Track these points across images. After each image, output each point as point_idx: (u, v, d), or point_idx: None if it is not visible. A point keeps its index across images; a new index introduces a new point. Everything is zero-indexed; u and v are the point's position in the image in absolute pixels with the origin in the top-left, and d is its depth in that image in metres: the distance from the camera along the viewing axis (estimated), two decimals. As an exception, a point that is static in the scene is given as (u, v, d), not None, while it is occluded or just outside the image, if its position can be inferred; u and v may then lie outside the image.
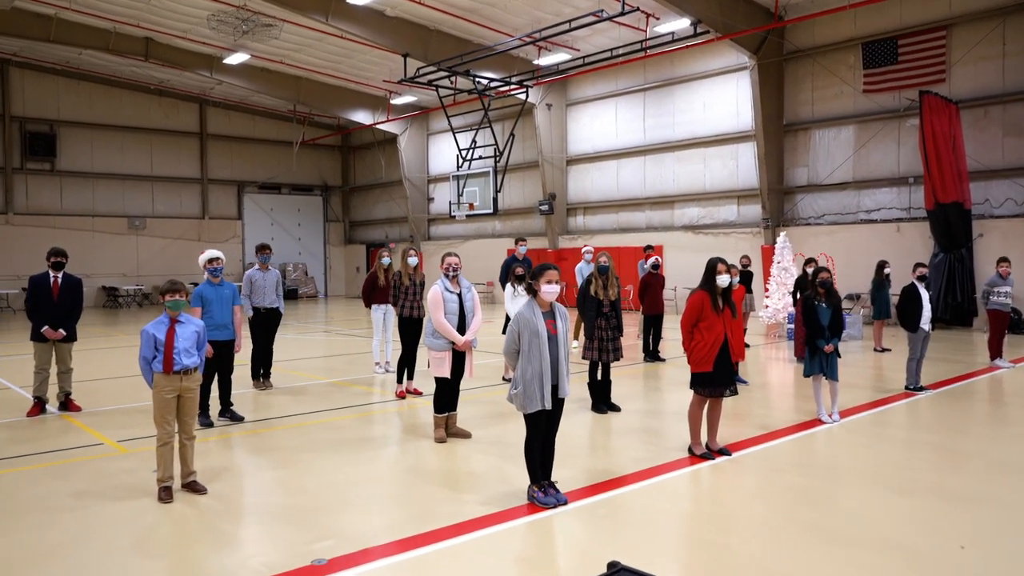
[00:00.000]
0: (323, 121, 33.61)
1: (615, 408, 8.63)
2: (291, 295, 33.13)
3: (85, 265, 27.90)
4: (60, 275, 8.73)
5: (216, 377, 8.19)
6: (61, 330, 8.60)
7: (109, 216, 29.57)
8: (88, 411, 8.84)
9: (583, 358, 8.69)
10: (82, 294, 9.02)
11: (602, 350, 8.47)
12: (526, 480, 5.49)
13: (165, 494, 5.53)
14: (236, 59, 23.88)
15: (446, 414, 7.37)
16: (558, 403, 5.41)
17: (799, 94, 20.34)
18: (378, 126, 29.84)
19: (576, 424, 7.98)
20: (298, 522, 5.13)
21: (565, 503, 5.33)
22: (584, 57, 20.61)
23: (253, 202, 33.63)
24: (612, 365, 8.67)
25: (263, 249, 10.55)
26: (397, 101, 28.21)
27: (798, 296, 12.54)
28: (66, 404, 8.90)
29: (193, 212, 31.82)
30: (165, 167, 30.99)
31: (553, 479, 5.49)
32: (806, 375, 8.12)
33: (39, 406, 8.79)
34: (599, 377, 8.67)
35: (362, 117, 29.18)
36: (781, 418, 8.26)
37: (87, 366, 11.49)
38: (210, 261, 8.12)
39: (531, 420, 5.35)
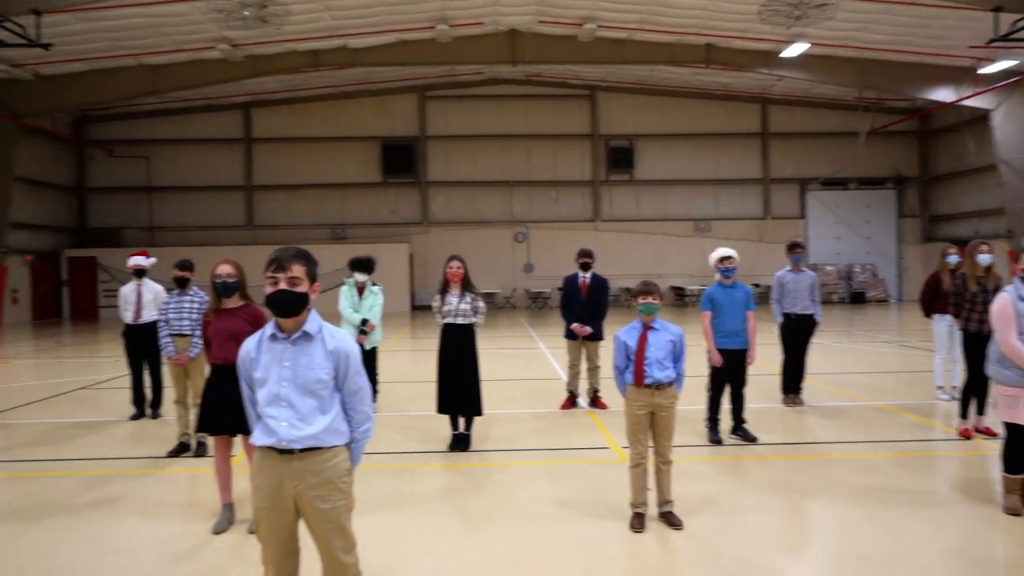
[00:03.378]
0: (895, 105, 30.09)
1: None
2: (857, 299, 30.53)
3: (657, 266, 30.12)
4: (588, 275, 8.99)
5: (728, 390, 7.40)
6: (587, 327, 8.85)
7: (678, 220, 31.40)
8: (614, 410, 8.86)
9: None
10: (607, 293, 9.15)
11: None
12: None
13: (636, 522, 4.92)
14: (794, 51, 22.71)
15: (1022, 476, 5.21)
16: None
17: None
18: (963, 103, 25.28)
19: None
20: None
21: None
22: None
23: (816, 199, 32.01)
24: None
25: (795, 248, 9.32)
26: (987, 70, 23.43)
27: None
28: (594, 401, 9.14)
29: (754, 213, 31.77)
30: (728, 169, 31.60)
31: None
32: None
33: (571, 400, 9.21)
34: None
35: (942, 95, 25.06)
36: None
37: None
38: (721, 260, 7.32)
39: None
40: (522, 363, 13.48)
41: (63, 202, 29.68)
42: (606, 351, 9.28)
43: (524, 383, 11.22)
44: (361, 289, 8.73)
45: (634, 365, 4.90)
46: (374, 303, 8.77)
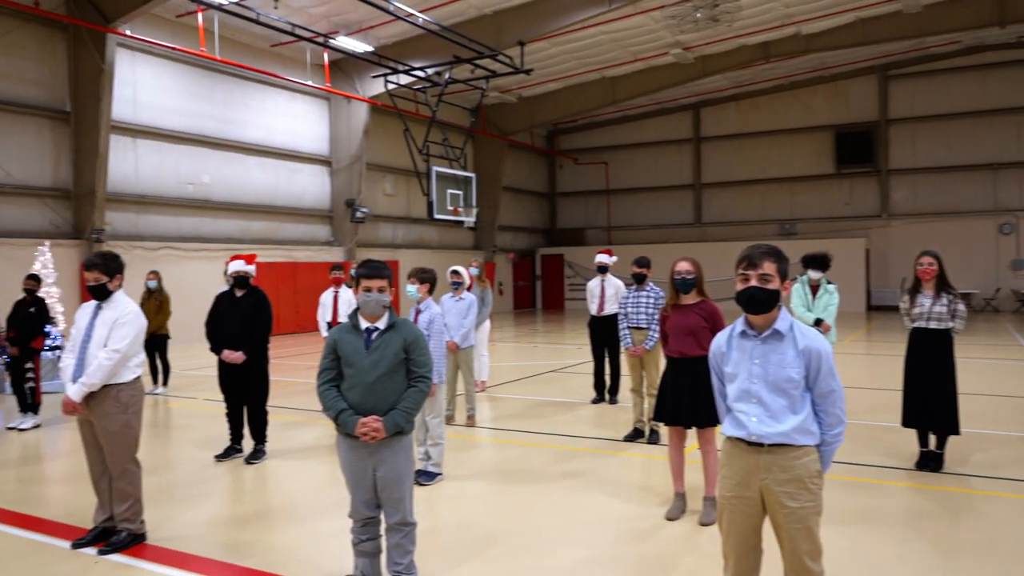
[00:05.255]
0: None
1: None
2: None
3: None
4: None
5: None
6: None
7: None
8: None
9: None
10: None
11: None
12: None
13: None
14: None
15: None
16: None
17: None
18: None
19: None
20: None
21: None
22: None
23: None
24: None
25: None
26: None
27: None
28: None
29: None
30: None
31: None
32: None
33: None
34: None
35: None
36: None
37: None
38: None
39: None
40: (1010, 377, 11.43)
41: (537, 206, 33.95)
42: None
43: (1014, 401, 9.52)
44: (815, 287, 8.29)
45: None
46: (829, 302, 8.25)
